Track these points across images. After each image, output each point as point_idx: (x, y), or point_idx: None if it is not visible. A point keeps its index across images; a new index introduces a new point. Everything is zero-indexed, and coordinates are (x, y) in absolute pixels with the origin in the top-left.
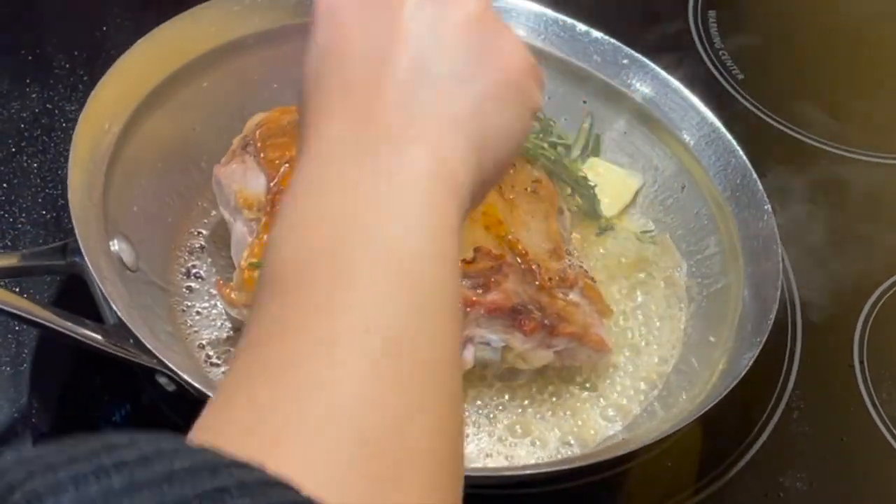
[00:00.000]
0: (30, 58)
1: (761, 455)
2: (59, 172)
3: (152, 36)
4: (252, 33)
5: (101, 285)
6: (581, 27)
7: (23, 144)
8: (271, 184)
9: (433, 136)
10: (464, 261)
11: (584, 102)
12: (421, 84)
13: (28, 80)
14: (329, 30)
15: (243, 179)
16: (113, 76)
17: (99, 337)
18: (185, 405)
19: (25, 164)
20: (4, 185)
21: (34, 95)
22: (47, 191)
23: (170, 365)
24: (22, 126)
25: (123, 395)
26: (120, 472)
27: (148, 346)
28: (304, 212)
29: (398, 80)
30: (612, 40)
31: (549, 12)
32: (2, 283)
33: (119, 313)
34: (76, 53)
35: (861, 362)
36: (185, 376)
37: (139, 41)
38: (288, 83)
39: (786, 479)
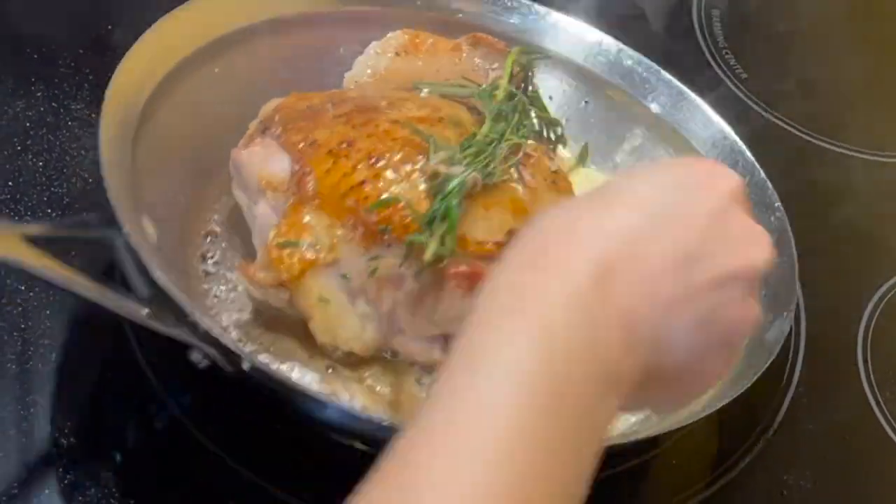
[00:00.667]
0: (35, 56)
1: (765, 453)
2: (65, 171)
3: (165, 20)
4: (262, 21)
5: (142, 254)
6: (586, 28)
7: (28, 143)
8: (296, 165)
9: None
10: (496, 243)
11: (586, 103)
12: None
13: (33, 79)
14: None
15: (264, 161)
16: (131, 59)
17: (144, 310)
18: (191, 408)
19: (31, 163)
20: (10, 183)
21: (39, 94)
22: (52, 189)
23: (213, 331)
24: (27, 125)
25: (130, 394)
26: None
27: (189, 314)
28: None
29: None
30: (616, 42)
31: (555, 13)
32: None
33: (160, 281)
34: (81, 52)
35: (865, 361)
36: (226, 342)
37: (152, 27)
38: (295, 73)
39: (790, 477)
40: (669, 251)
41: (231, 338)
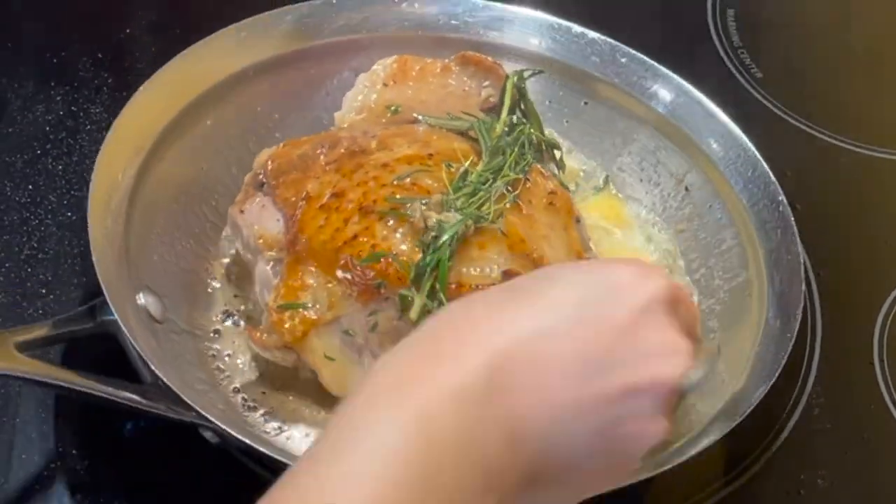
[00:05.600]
0: (54, 61)
1: (782, 453)
2: (85, 175)
3: (153, 81)
4: (250, 65)
5: (136, 346)
6: (577, 29)
7: (48, 147)
8: (289, 222)
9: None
10: (493, 284)
11: (585, 104)
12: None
13: (53, 84)
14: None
15: (260, 220)
16: (121, 124)
17: (138, 398)
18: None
19: (51, 167)
20: (30, 186)
21: (59, 98)
22: (72, 193)
23: (214, 420)
24: (47, 129)
25: None
26: None
27: (189, 402)
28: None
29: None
30: (609, 40)
31: (543, 16)
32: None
33: (157, 372)
34: (100, 56)
35: (881, 360)
36: (230, 430)
37: (141, 88)
38: (290, 111)
39: (807, 476)
40: (571, 356)
41: (236, 410)
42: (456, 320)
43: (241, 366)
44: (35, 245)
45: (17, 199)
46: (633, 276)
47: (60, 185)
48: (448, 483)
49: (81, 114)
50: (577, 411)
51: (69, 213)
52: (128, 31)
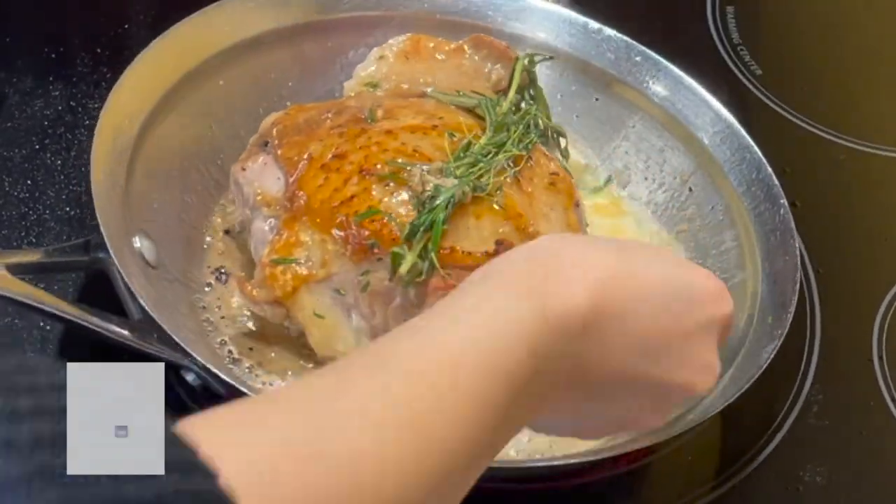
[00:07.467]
0: (52, 55)
1: (781, 449)
2: (83, 169)
3: (169, 35)
4: (267, 31)
5: (127, 280)
6: (593, 25)
7: (46, 142)
8: (290, 181)
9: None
10: (485, 253)
11: (597, 100)
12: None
13: (51, 78)
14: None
15: (261, 177)
16: (131, 75)
17: (125, 332)
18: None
19: (49, 161)
20: (29, 181)
21: (57, 93)
22: (71, 187)
23: (198, 358)
24: (45, 123)
25: None
26: None
27: (176, 339)
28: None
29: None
30: (625, 38)
31: (562, 10)
32: (26, 279)
33: (146, 307)
34: (98, 51)
35: (880, 357)
36: (214, 369)
37: (156, 40)
38: (304, 80)
39: (805, 473)
40: (639, 335)
41: (222, 362)
42: (570, 252)
43: (230, 320)
44: (33, 240)
45: (16, 193)
46: (714, 294)
47: (59, 180)
48: (525, 379)
49: (80, 109)
50: (619, 375)
51: (68, 209)
52: (126, 26)
